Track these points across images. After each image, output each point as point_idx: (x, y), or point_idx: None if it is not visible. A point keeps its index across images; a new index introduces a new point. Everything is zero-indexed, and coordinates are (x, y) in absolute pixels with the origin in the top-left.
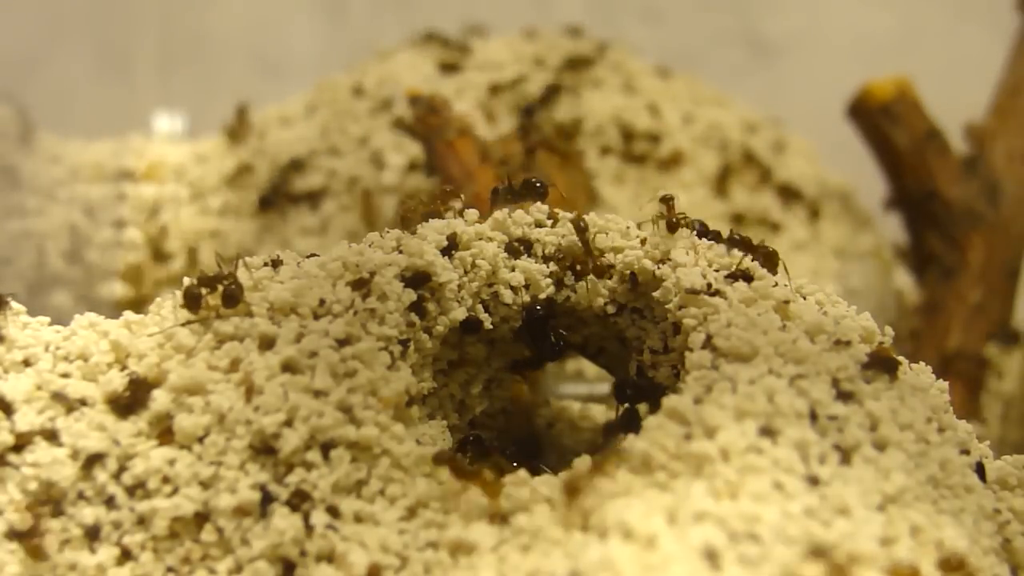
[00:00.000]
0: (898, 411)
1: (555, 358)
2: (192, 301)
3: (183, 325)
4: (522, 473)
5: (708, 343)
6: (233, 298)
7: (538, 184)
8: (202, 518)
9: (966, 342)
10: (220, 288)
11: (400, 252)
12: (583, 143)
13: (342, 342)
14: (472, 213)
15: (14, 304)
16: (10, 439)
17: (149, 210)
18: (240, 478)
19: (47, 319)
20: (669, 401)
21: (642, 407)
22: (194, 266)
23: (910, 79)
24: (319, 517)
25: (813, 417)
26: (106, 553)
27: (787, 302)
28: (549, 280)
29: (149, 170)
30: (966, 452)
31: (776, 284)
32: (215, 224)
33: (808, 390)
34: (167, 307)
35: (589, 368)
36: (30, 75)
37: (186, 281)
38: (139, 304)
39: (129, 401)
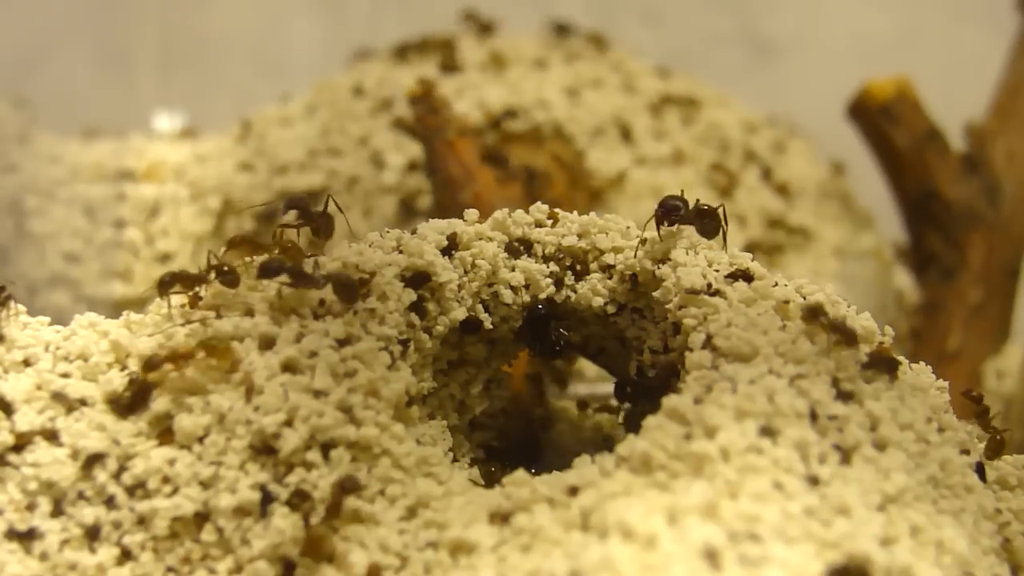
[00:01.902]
0: (898, 411)
1: (555, 358)
2: (162, 287)
3: (183, 325)
4: (522, 473)
5: (708, 343)
6: (232, 279)
7: None
8: (202, 518)
9: (966, 342)
10: (216, 274)
11: (400, 252)
12: (583, 143)
13: (342, 342)
14: (472, 213)
15: (13, 304)
16: (10, 439)
17: (149, 210)
18: (240, 478)
19: (47, 319)
20: (669, 401)
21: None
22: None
23: (910, 79)
24: (319, 517)
25: (813, 417)
26: (106, 553)
27: (787, 302)
28: (549, 280)
29: (149, 170)
30: (966, 452)
31: (776, 284)
32: (215, 224)
33: (808, 390)
34: (167, 307)
35: (589, 368)
36: (30, 75)
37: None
38: (139, 304)
39: (129, 401)
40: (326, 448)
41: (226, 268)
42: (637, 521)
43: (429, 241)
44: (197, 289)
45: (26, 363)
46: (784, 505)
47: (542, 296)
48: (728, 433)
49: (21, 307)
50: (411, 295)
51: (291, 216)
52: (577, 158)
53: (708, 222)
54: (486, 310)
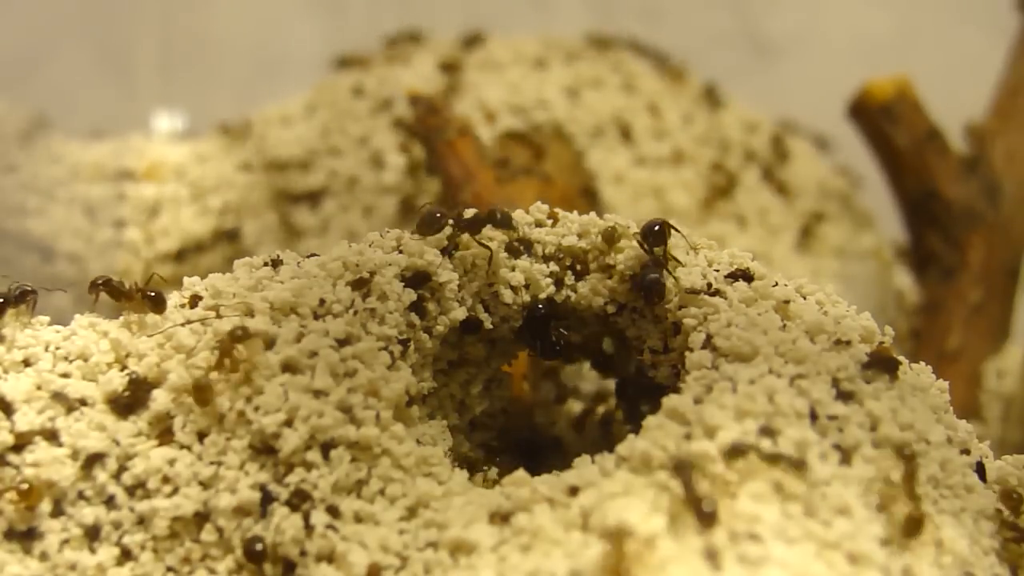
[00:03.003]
0: (898, 411)
1: (555, 358)
2: (91, 287)
3: (183, 325)
4: (522, 473)
5: (708, 343)
6: (159, 303)
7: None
8: (202, 518)
9: (966, 342)
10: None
11: (400, 252)
12: (583, 143)
13: (342, 342)
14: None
15: (19, 307)
16: (10, 439)
17: (149, 210)
18: (240, 478)
19: (47, 319)
20: (669, 401)
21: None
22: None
23: (910, 79)
24: (319, 517)
25: (813, 417)
26: (106, 553)
27: (787, 302)
28: (549, 280)
29: (149, 170)
30: (966, 452)
31: (776, 284)
32: (215, 224)
33: (808, 390)
34: (167, 307)
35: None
36: (30, 75)
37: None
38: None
39: (129, 401)
40: (326, 448)
41: (152, 293)
42: (637, 521)
43: (429, 241)
44: (123, 302)
45: (26, 363)
46: (784, 505)
47: (542, 296)
48: (728, 433)
49: (21, 307)
50: (411, 295)
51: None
52: (577, 158)
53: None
54: (486, 310)
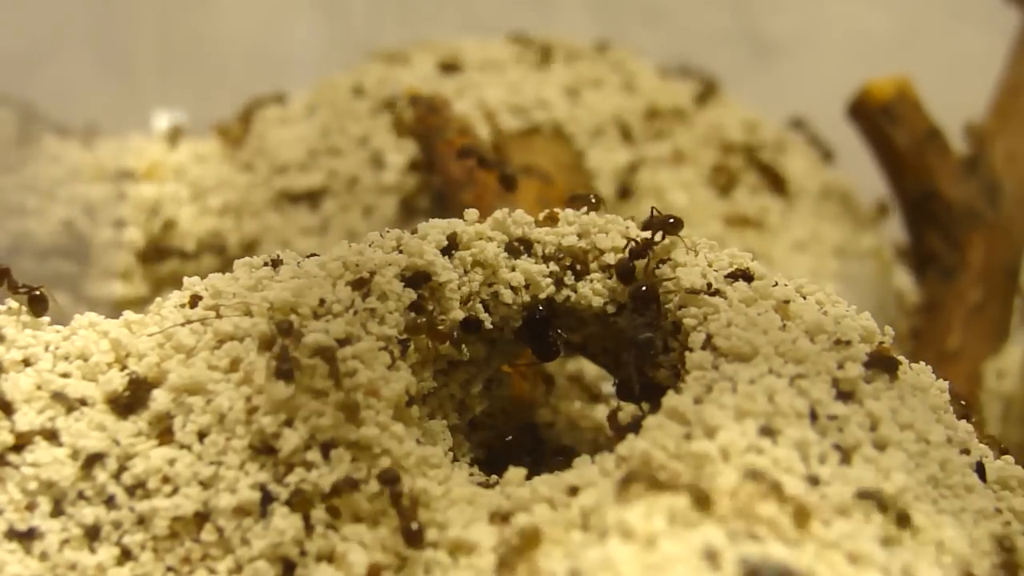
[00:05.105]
0: (898, 411)
1: (554, 359)
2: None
3: (183, 325)
4: (522, 473)
5: (708, 343)
6: (41, 304)
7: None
8: (202, 518)
9: (966, 342)
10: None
11: (400, 252)
12: (583, 143)
13: (342, 342)
14: (472, 213)
15: (13, 303)
16: (10, 439)
17: (149, 210)
18: (240, 478)
19: (47, 319)
20: (669, 401)
21: None
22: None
23: (910, 79)
24: (319, 517)
25: (813, 417)
26: (106, 553)
27: (787, 302)
28: (549, 280)
29: (149, 170)
30: (966, 452)
31: (776, 284)
32: (215, 224)
33: (808, 390)
34: (167, 307)
35: (589, 368)
36: (31, 75)
37: None
38: (139, 304)
39: (129, 401)
40: (326, 448)
41: (38, 292)
42: (637, 521)
43: (429, 241)
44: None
45: (26, 363)
46: (784, 505)
47: (542, 296)
48: (728, 433)
49: (14, 304)
50: (411, 295)
51: None
52: (577, 158)
53: None
54: (486, 310)
